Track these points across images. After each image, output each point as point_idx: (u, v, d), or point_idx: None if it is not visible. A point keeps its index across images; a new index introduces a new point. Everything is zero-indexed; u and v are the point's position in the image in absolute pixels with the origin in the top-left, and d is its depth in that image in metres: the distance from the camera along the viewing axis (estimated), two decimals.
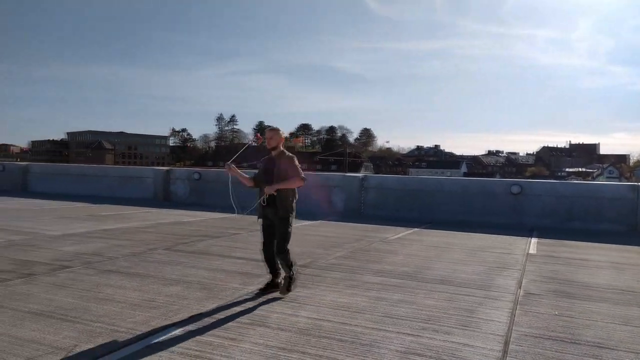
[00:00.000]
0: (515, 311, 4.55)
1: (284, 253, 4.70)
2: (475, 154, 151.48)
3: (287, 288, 4.74)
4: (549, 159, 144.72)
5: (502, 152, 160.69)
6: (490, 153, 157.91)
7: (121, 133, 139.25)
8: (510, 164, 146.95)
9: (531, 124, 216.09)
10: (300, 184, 4.71)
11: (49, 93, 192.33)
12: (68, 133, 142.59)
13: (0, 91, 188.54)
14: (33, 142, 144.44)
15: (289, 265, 4.77)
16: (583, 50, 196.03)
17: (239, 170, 4.93)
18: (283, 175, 4.67)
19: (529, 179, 49.95)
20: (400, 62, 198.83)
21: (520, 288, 5.48)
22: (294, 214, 4.78)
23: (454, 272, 6.18)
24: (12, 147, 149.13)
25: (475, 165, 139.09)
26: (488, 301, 4.87)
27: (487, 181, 14.18)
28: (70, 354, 3.21)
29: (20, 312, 4.00)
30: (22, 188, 18.27)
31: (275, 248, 4.72)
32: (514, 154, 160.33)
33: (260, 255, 4.99)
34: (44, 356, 3.16)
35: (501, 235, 9.99)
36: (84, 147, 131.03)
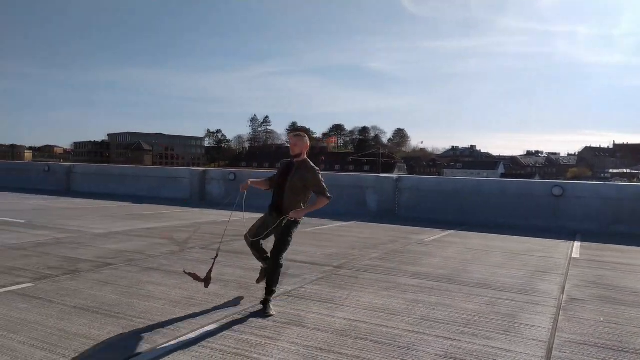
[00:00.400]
0: (559, 317, 4.41)
1: (278, 262, 4.31)
2: (514, 155, 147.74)
3: (265, 311, 4.19)
4: (592, 160, 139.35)
5: (542, 153, 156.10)
6: (529, 153, 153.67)
7: (159, 134, 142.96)
8: (551, 165, 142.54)
9: (572, 123, 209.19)
10: (326, 203, 4.34)
11: (90, 95, 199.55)
12: (109, 134, 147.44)
13: (45, 94, 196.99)
14: (75, 143, 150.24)
15: (275, 281, 4.32)
16: (627, 46, 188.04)
17: (254, 180, 4.60)
18: (298, 187, 4.31)
19: (570, 180, 48.26)
20: (435, 61, 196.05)
21: (563, 293, 5.30)
22: (299, 225, 4.43)
23: (493, 276, 6.04)
24: (55, 148, 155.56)
25: (514, 166, 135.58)
26: (529, 306, 4.74)
27: (527, 182, 13.78)
28: (115, 349, 3.32)
29: (68, 307, 4.16)
30: (66, 188, 19.02)
31: (271, 253, 4.36)
32: (555, 154, 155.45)
33: (296, 256, 5.00)
34: (91, 350, 3.28)
35: (542, 239, 9.70)
36: (124, 148, 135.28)
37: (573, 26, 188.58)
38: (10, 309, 4.04)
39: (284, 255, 4.36)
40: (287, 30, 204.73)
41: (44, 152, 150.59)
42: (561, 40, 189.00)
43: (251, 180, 4.55)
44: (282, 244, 4.32)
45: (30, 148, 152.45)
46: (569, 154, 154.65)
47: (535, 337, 3.86)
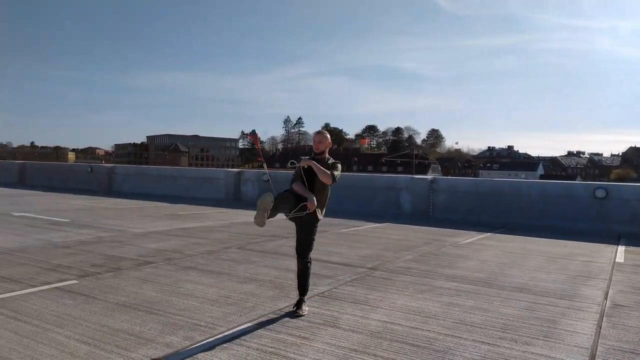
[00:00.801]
0: (602, 323, 4.25)
1: (306, 263, 4.32)
2: (554, 155, 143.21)
3: (297, 311, 4.23)
4: (637, 160, 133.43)
5: (584, 153, 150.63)
6: (570, 154, 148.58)
7: (195, 136, 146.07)
8: (593, 166, 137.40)
9: (616, 122, 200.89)
10: (328, 181, 4.17)
11: (130, 99, 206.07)
12: (147, 136, 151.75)
13: (88, 98, 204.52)
14: (116, 145, 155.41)
15: (307, 281, 4.34)
16: None
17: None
18: (324, 185, 4.24)
19: (614, 181, 46.35)
20: (470, 59, 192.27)
21: (606, 299, 5.11)
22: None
23: (532, 280, 5.88)
24: (97, 150, 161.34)
25: (554, 167, 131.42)
26: (571, 311, 4.59)
27: (568, 184, 13.33)
28: (156, 345, 3.42)
29: (111, 304, 4.31)
30: (107, 188, 19.69)
31: (299, 255, 4.33)
32: (597, 154, 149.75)
33: (329, 257, 5.01)
34: (133, 346, 3.39)
35: (584, 242, 9.37)
36: (162, 149, 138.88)
37: (615, 21, 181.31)
38: (57, 305, 4.23)
39: (310, 254, 4.34)
40: (320, 31, 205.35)
41: (87, 153, 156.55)
42: (602, 36, 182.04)
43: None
44: (307, 244, 4.30)
45: (74, 150, 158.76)
46: (612, 155, 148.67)
47: (577, 343, 3.73)
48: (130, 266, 5.83)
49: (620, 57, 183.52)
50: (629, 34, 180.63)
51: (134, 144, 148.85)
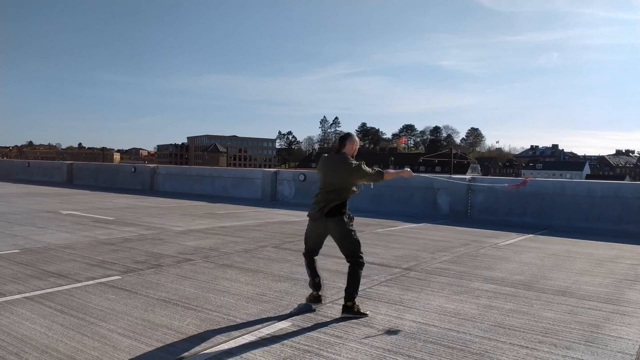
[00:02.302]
0: None
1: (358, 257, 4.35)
2: (601, 154, 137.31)
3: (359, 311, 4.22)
4: None
5: (634, 152, 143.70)
6: (619, 153, 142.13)
7: (233, 137, 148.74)
8: None
9: None
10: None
11: (172, 101, 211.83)
12: (188, 137, 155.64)
13: (133, 101, 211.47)
14: (158, 146, 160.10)
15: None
16: None
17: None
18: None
19: None
20: (512, 56, 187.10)
21: None
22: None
23: (575, 283, 5.68)
24: (141, 151, 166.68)
25: (602, 166, 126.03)
26: (616, 316, 4.40)
27: (616, 184, 12.74)
28: (194, 339, 3.52)
29: (151, 299, 4.46)
30: (150, 187, 20.32)
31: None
32: None
33: (365, 257, 4.94)
34: (172, 340, 3.49)
35: (632, 245, 8.96)
36: (201, 150, 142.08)
37: None
38: (101, 299, 4.41)
39: (359, 253, 4.36)
40: (357, 31, 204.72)
41: (131, 154, 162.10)
42: None
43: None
44: (348, 245, 4.31)
45: (119, 150, 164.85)
46: None
47: (621, 349, 3.58)
48: (170, 263, 6.01)
49: None
50: None
51: (175, 145, 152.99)
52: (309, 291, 4.81)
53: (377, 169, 4.42)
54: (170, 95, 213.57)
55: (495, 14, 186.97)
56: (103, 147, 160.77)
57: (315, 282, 4.38)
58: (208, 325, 3.82)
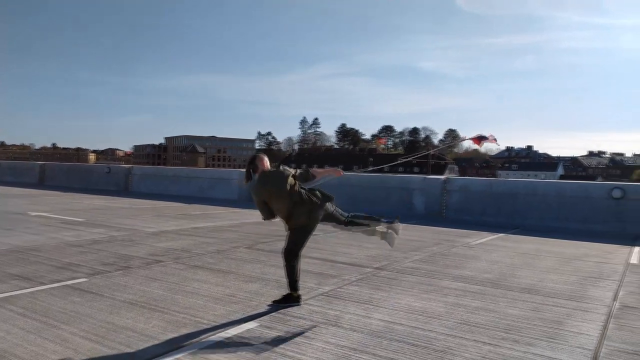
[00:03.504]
0: (609, 325, 4.18)
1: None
2: (574, 155, 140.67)
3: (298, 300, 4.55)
4: None
5: (605, 153, 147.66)
6: (591, 154, 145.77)
7: (212, 137, 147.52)
8: (615, 166, 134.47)
9: (639, 121, 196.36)
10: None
11: (150, 101, 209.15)
12: (165, 137, 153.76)
13: (109, 100, 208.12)
14: (135, 146, 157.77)
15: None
16: None
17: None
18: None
19: (636, 182, 45.33)
20: (489, 59, 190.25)
21: (616, 300, 5.02)
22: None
23: (542, 281, 5.81)
24: (117, 151, 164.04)
25: (574, 167, 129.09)
26: (578, 313, 4.52)
27: (584, 184, 13.09)
28: (158, 342, 3.48)
29: (117, 301, 4.39)
30: (124, 188, 20.01)
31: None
32: (619, 154, 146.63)
33: (337, 257, 5.02)
34: (135, 342, 3.45)
35: (599, 243, 9.21)
36: (180, 150, 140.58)
37: (638, 19, 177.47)
38: (65, 302, 4.32)
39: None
40: (337, 32, 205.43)
41: (107, 154, 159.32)
42: (627, 34, 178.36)
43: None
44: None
45: (94, 151, 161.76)
46: (634, 155, 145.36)
47: (581, 344, 3.68)
48: (139, 265, 5.93)
49: None
50: None
51: (153, 145, 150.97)
52: (278, 292, 4.81)
53: (302, 170, 4.58)
54: (148, 95, 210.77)
55: (473, 16, 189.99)
56: (78, 148, 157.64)
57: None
58: (174, 327, 3.78)
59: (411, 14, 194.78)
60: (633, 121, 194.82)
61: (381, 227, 4.86)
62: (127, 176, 20.45)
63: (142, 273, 5.51)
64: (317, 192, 4.53)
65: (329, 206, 4.56)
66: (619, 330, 4.04)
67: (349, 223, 4.70)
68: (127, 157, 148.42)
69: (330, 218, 4.62)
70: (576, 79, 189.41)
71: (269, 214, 4.50)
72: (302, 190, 4.44)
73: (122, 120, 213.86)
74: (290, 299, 4.46)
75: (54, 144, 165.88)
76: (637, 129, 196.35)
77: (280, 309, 4.31)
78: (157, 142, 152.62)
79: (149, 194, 18.25)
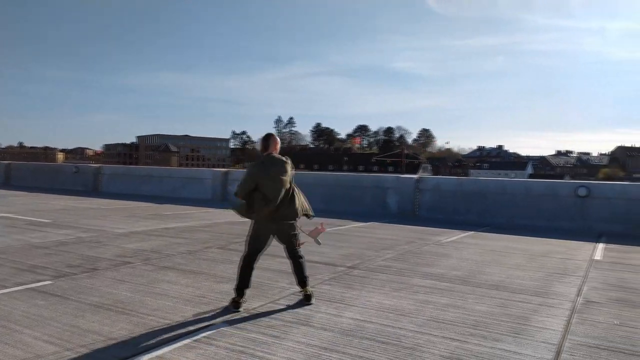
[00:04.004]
0: (572, 319, 4.30)
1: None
2: (543, 155, 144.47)
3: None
4: (625, 160, 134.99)
5: (573, 153, 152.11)
6: (559, 153, 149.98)
7: (186, 136, 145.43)
8: (582, 165, 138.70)
9: (605, 122, 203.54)
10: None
11: (122, 99, 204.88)
12: (137, 136, 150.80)
13: (78, 98, 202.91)
14: (106, 145, 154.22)
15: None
16: None
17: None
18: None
19: (601, 180, 46.81)
20: (461, 59, 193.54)
21: (579, 295, 5.17)
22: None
23: (509, 278, 5.94)
24: (87, 150, 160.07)
25: (543, 166, 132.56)
26: (544, 308, 4.64)
27: (551, 183, 13.44)
28: (124, 345, 3.41)
29: (83, 304, 4.28)
30: (93, 188, 19.54)
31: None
32: (586, 154, 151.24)
33: (310, 257, 5.02)
34: (101, 346, 3.37)
35: (565, 240, 9.47)
36: (152, 149, 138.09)
37: (604, 22, 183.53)
38: (28, 305, 4.19)
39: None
40: (313, 31, 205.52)
41: (76, 154, 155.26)
42: (590, 37, 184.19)
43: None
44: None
45: (63, 150, 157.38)
46: (600, 154, 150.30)
47: (545, 339, 3.78)
48: (107, 266, 5.79)
49: (608, 58, 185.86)
50: (617, 34, 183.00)
51: (124, 144, 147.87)
52: (249, 292, 4.78)
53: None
54: (119, 93, 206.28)
55: (444, 18, 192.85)
56: (46, 147, 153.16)
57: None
58: (141, 329, 3.71)
59: (384, 14, 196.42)
60: (598, 122, 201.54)
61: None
62: (96, 176, 19.98)
63: (110, 275, 5.39)
64: (307, 204, 4.53)
65: (296, 226, 4.44)
66: (582, 325, 4.16)
67: (294, 258, 4.51)
68: (98, 157, 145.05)
69: (287, 238, 4.43)
70: (543, 80, 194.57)
71: (246, 196, 4.31)
72: (296, 193, 4.41)
73: (92, 119, 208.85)
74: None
75: (20, 143, 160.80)
76: (603, 130, 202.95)
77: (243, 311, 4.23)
78: (128, 141, 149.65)
79: (119, 194, 17.87)
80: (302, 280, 4.52)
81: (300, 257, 4.52)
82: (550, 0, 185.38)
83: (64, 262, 5.97)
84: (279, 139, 4.59)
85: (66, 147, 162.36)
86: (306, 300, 4.52)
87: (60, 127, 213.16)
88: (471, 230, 10.52)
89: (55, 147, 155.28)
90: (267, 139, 4.46)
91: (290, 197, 4.37)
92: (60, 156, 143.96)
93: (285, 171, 4.29)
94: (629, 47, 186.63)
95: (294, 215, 4.39)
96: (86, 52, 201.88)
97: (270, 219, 4.35)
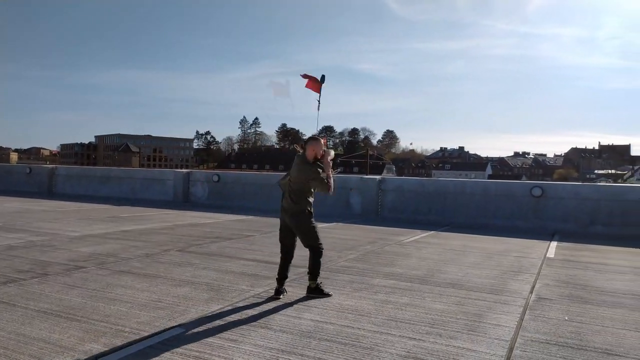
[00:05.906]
0: (525, 316, 4.44)
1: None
2: (502, 156, 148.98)
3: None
4: (578, 161, 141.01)
5: (529, 154, 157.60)
6: (517, 155, 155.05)
7: (147, 136, 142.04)
8: (538, 166, 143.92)
9: (560, 124, 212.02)
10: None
11: (79, 97, 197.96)
12: (96, 136, 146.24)
13: (33, 96, 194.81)
14: (62, 145, 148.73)
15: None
16: (612, 48, 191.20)
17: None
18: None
19: (556, 181, 48.74)
20: (422, 62, 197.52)
21: (532, 292, 5.34)
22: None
23: (466, 276, 6.07)
24: (42, 150, 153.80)
25: (501, 167, 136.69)
26: (498, 305, 4.77)
27: (508, 183, 13.88)
28: (73, 353, 3.27)
29: (31, 311, 4.10)
30: (48, 190, 18.79)
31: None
32: (542, 155, 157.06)
33: (271, 258, 5.00)
34: (48, 354, 3.23)
35: (521, 239, 9.78)
36: (112, 150, 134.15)
37: (558, 28, 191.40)
38: None
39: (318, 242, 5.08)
40: (277, 32, 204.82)
41: (30, 154, 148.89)
42: (546, 43, 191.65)
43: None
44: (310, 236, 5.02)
45: (17, 150, 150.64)
46: (555, 155, 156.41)
47: (498, 336, 3.88)
48: (58, 271, 5.57)
49: (563, 64, 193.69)
50: (571, 41, 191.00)
51: (82, 144, 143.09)
52: (208, 295, 4.70)
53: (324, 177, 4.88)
54: (76, 91, 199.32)
55: (407, 21, 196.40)
56: None
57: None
58: (92, 336, 3.58)
59: (347, 15, 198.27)
60: (554, 124, 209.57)
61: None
62: (51, 177, 19.21)
63: (61, 280, 5.18)
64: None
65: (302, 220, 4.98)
66: (534, 321, 4.30)
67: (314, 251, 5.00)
68: (53, 157, 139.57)
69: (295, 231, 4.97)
70: (502, 84, 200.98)
71: (284, 185, 4.90)
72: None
73: (47, 117, 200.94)
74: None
75: None
76: (557, 132, 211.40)
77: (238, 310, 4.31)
78: (86, 141, 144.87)
79: (75, 195, 17.25)
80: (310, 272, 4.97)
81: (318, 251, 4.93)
82: (509, 7, 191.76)
83: (12, 267, 5.70)
84: (319, 144, 4.81)
85: (20, 147, 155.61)
86: (307, 292, 4.90)
87: (14, 125, 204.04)
88: (432, 230, 10.72)
89: (9, 147, 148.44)
90: (305, 142, 4.90)
91: (295, 193, 4.78)
92: (14, 156, 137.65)
93: (296, 171, 4.77)
94: (582, 53, 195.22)
95: (293, 209, 4.81)
96: (43, 49, 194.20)
97: (282, 210, 4.90)
